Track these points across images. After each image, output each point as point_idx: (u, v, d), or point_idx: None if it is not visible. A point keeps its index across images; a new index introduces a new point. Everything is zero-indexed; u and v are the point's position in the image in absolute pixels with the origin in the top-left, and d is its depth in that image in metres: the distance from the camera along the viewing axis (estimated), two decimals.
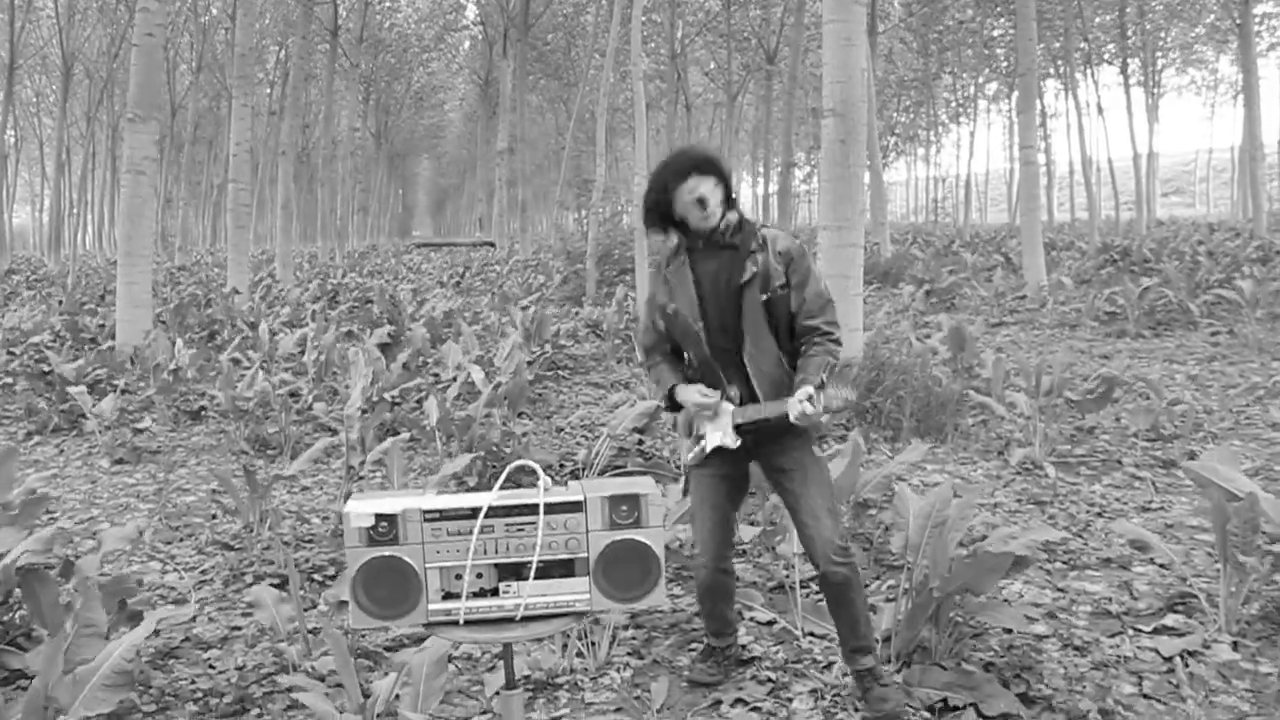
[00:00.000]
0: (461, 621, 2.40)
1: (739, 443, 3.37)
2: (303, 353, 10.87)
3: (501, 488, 2.46)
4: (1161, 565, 4.81)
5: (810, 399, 3.12)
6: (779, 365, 3.38)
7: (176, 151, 40.48)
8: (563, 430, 8.14)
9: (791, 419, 3.16)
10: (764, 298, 3.35)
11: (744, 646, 4.00)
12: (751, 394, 3.38)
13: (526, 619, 2.42)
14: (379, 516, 2.36)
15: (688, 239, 3.45)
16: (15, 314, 14.81)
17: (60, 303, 17.82)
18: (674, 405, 3.54)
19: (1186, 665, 3.76)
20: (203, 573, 5.03)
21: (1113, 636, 4.06)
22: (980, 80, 46.75)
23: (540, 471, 2.46)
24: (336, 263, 31.67)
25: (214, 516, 6.10)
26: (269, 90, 41.55)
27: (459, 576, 2.39)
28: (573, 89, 37.36)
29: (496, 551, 2.40)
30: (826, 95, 8.05)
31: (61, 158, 36.86)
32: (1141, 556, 4.91)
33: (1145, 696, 3.55)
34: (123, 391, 9.15)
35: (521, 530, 2.39)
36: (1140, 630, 4.11)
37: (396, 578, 2.36)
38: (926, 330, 12.40)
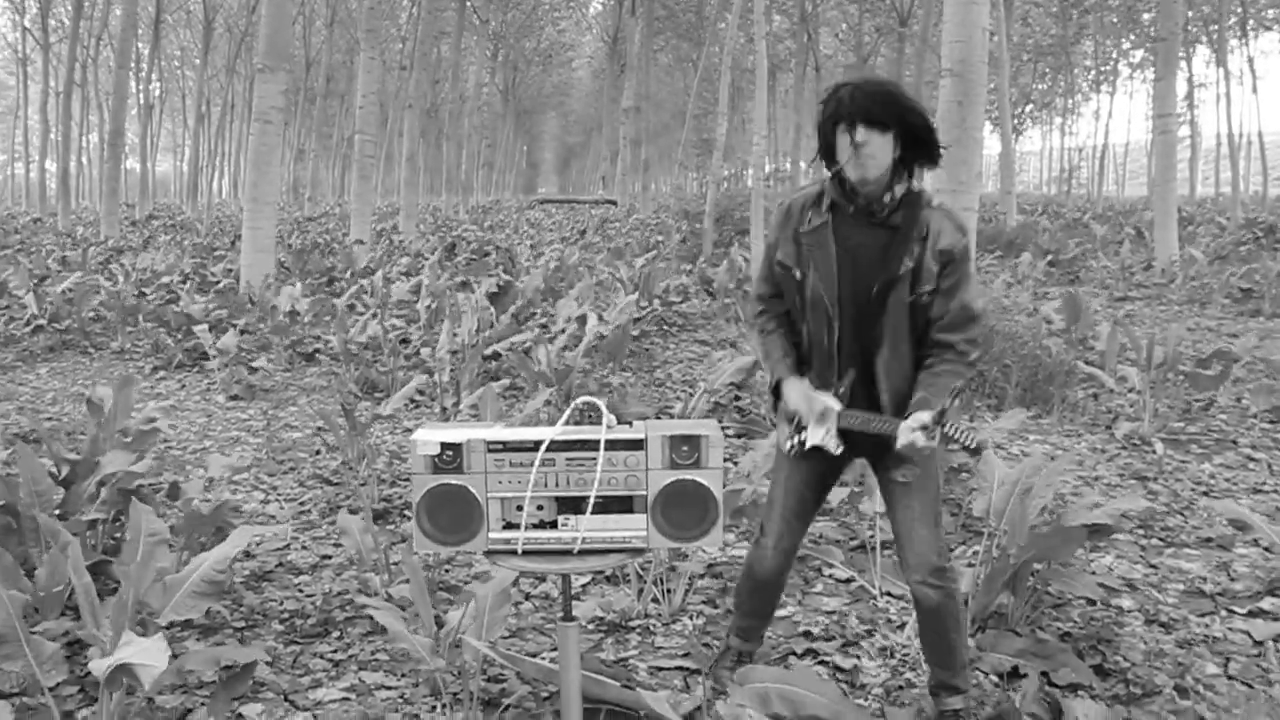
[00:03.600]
0: (520, 551, 2.46)
1: (841, 449, 2.87)
2: (416, 300, 11.12)
3: (566, 424, 2.50)
4: (1266, 548, 4.63)
5: (925, 429, 2.59)
6: (908, 379, 2.82)
7: (309, 104, 41.57)
8: (663, 385, 8.18)
9: (898, 446, 2.65)
10: (910, 299, 2.77)
11: (817, 608, 4.00)
12: (869, 399, 2.84)
13: (583, 552, 2.46)
14: (444, 445, 2.43)
15: (840, 194, 2.82)
16: (149, 256, 15.46)
17: (193, 247, 18.54)
18: (778, 389, 3.01)
19: (1278, 650, 3.62)
20: (301, 504, 5.23)
21: (1203, 616, 3.93)
22: (1124, 46, 44.91)
23: (604, 408, 2.50)
24: (460, 216, 32.16)
25: (317, 452, 6.32)
26: (399, 45, 42.26)
27: (519, 507, 2.45)
28: (701, 49, 37.08)
29: (557, 485, 2.45)
30: (945, 55, 7.87)
31: (201, 109, 38.23)
32: (1245, 538, 4.73)
33: (1229, 678, 3.44)
34: (242, 331, 9.49)
35: (582, 465, 2.44)
36: (1234, 611, 3.97)
37: (459, 505, 2.43)
38: (1045, 301, 12.05)
